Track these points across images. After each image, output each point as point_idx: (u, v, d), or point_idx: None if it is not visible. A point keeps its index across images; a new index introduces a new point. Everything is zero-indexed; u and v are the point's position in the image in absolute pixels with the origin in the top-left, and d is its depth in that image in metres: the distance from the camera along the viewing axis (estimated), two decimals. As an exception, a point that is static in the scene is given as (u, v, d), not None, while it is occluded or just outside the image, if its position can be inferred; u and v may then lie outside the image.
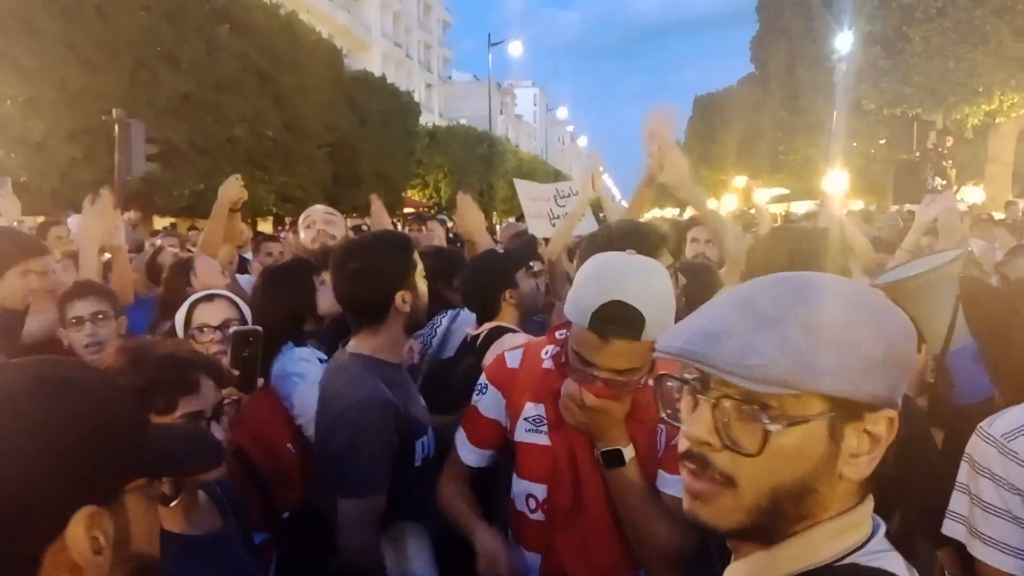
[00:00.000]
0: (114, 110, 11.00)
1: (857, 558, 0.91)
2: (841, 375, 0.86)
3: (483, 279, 3.04)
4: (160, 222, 15.40)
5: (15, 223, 5.01)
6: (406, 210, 25.45)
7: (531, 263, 3.10)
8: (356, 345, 2.30)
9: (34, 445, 0.86)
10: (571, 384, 1.80)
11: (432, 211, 24.96)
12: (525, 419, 1.99)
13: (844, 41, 21.53)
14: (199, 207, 14.17)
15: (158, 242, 6.11)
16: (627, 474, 1.81)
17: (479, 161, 35.17)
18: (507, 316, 2.99)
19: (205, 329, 2.49)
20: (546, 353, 2.04)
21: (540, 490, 1.95)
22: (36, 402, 0.90)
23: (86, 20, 13.31)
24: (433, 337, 3.36)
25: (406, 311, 2.28)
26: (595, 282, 1.77)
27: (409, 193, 29.48)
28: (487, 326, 2.95)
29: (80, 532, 0.88)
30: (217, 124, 15.30)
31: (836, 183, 17.79)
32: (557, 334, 2.05)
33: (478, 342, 2.90)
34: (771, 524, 0.91)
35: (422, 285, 2.35)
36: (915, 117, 17.73)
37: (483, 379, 2.13)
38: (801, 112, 26.36)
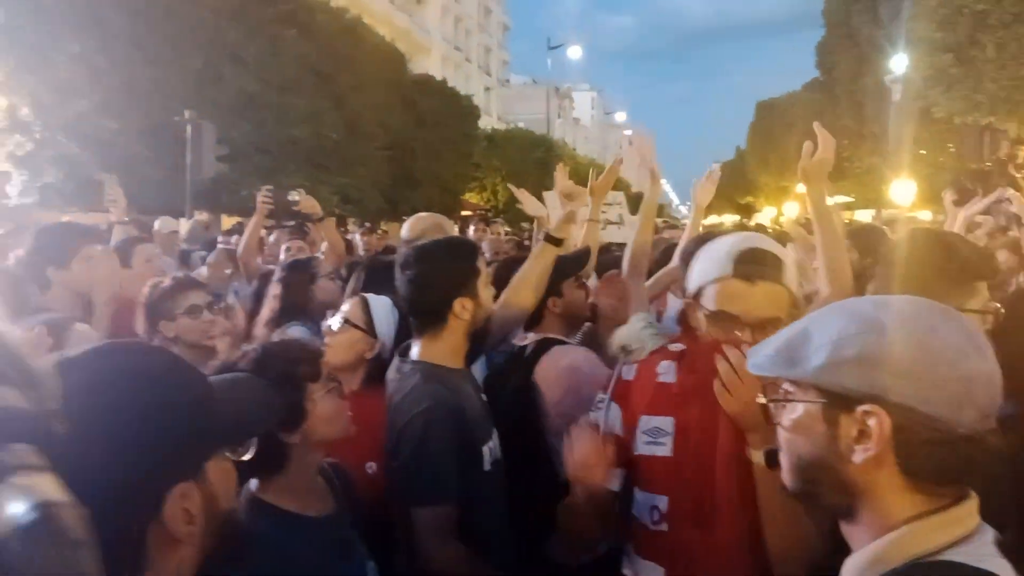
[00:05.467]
0: (186, 111, 11.29)
1: (963, 557, 0.98)
2: (813, 369, 1.05)
3: None
4: (227, 221, 15.77)
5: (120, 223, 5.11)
6: (463, 213, 25.58)
7: (580, 274, 3.05)
8: (418, 352, 2.30)
9: (132, 432, 0.92)
10: (733, 351, 1.72)
11: (490, 214, 25.05)
12: (643, 432, 1.96)
13: (899, 62, 21.04)
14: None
15: (232, 240, 6.32)
16: None
17: (536, 165, 35.19)
18: (552, 326, 2.95)
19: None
20: (661, 368, 2.01)
21: (663, 502, 1.90)
22: (132, 391, 0.96)
23: (155, 20, 13.71)
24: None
25: (466, 319, 2.28)
26: (727, 240, 1.85)
27: (467, 196, 29.60)
28: (534, 336, 2.92)
29: (175, 508, 0.95)
30: (279, 124, 15.58)
31: (903, 192, 17.40)
32: (671, 346, 2.03)
33: (526, 353, 2.88)
34: (815, 492, 1.10)
35: (485, 293, 2.35)
36: (987, 126, 17.18)
37: (603, 392, 2.10)
38: (867, 120, 25.73)
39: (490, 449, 2.29)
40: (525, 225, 16.40)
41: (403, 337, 2.55)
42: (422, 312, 2.31)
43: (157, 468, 0.93)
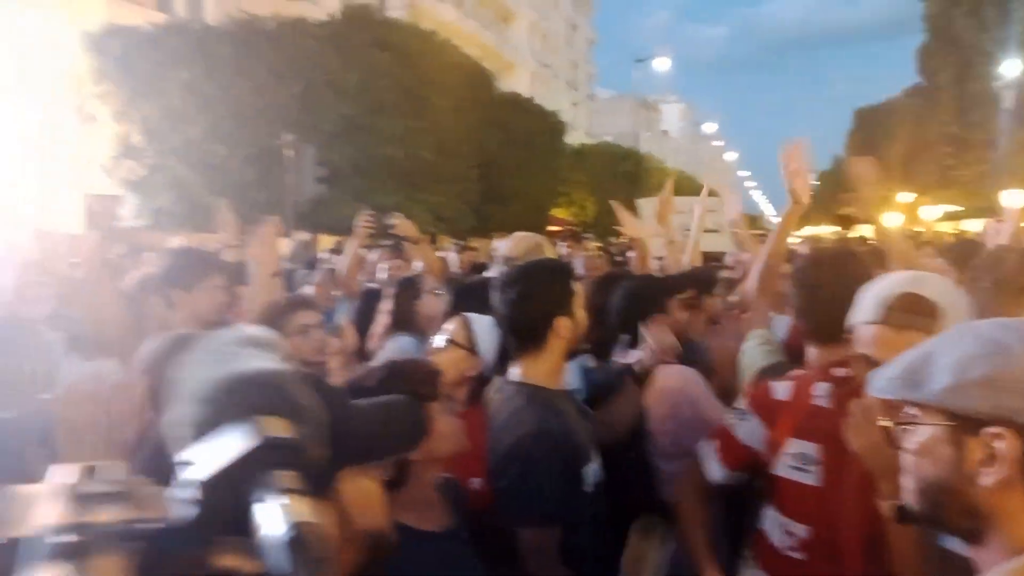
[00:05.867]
0: (286, 134, 11.76)
1: None
2: (938, 391, 1.03)
3: (634, 304, 3.01)
4: (325, 241, 16.26)
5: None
6: (549, 228, 25.63)
7: (683, 295, 3.05)
8: (519, 374, 2.33)
9: None
10: (867, 396, 1.66)
11: (578, 229, 25.01)
12: (789, 454, 1.92)
13: (1010, 67, 20.04)
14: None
15: (334, 259, 6.56)
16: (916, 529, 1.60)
17: (624, 178, 34.98)
18: None
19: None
20: (817, 389, 1.96)
21: (802, 530, 1.87)
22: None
23: (259, 49, 14.36)
24: None
25: (565, 337, 2.30)
26: (887, 281, 1.75)
27: (554, 211, 29.63)
28: (638, 355, 2.86)
29: None
30: (376, 145, 16.02)
31: (1015, 199, 16.48)
32: (834, 371, 1.96)
33: (634, 372, 2.84)
34: (941, 515, 1.09)
35: (581, 314, 2.37)
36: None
37: (745, 404, 2.09)
38: (973, 126, 24.61)
39: (592, 470, 2.30)
40: (613, 239, 16.35)
41: (505, 356, 2.59)
42: (523, 330, 2.34)
43: None
